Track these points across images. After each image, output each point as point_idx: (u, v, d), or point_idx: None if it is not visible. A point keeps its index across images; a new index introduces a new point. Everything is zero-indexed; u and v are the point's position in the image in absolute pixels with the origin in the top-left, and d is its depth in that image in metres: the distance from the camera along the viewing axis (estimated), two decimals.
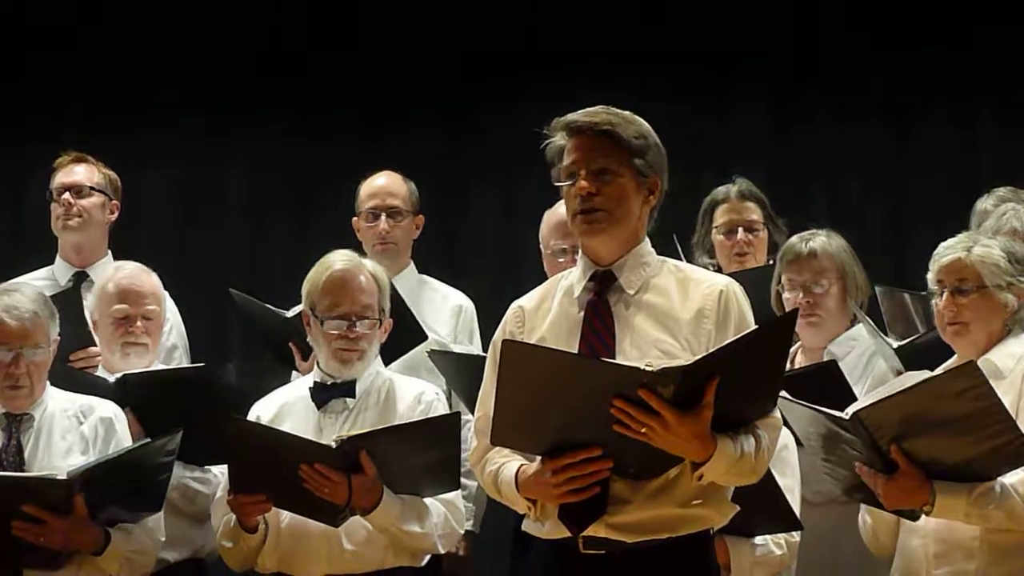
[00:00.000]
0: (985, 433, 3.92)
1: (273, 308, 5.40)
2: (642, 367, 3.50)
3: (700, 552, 3.74)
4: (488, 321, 4.02)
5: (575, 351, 3.70)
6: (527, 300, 3.91)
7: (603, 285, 3.79)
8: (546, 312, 3.83)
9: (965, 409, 3.89)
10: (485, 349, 5.08)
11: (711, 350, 3.59)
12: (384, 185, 5.77)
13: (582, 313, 3.78)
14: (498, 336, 3.89)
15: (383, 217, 5.71)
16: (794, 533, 4.49)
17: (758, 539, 4.47)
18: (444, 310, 5.67)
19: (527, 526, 3.82)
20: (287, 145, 7.47)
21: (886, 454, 4.00)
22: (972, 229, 5.14)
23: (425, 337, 5.26)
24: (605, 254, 3.80)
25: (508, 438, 3.68)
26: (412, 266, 5.75)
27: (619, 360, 3.65)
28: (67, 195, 5.64)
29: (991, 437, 3.93)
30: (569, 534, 3.68)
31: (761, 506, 4.37)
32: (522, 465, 3.72)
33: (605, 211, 3.74)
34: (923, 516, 4.11)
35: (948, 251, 4.33)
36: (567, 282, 3.86)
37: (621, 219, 3.76)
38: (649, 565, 3.66)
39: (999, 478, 4.03)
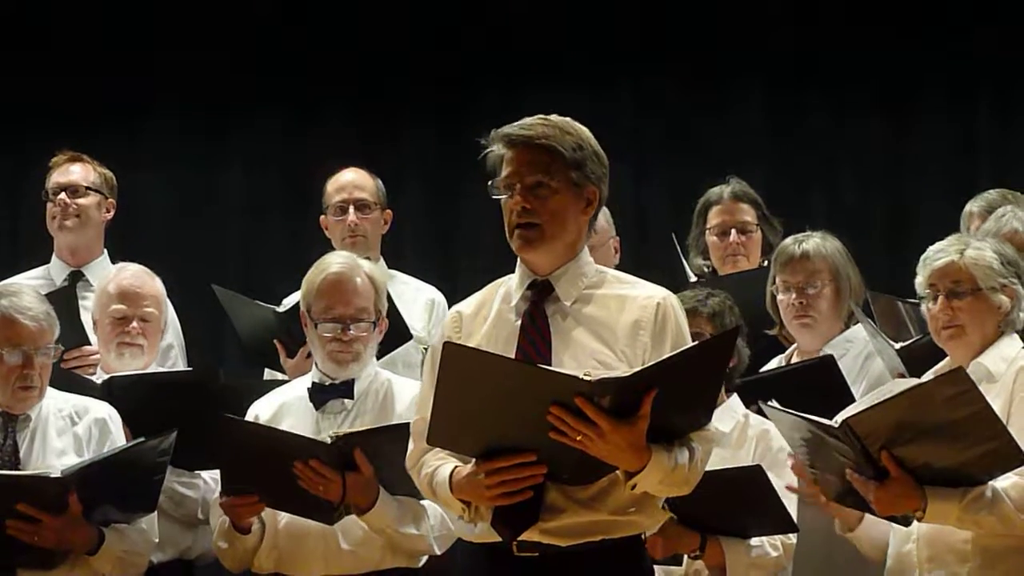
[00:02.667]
0: (976, 438, 3.91)
1: (262, 303, 5.40)
2: (581, 376, 3.51)
3: (633, 553, 3.76)
4: None
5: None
6: (465, 306, 3.90)
7: (540, 295, 3.79)
8: (484, 319, 3.83)
9: (955, 415, 3.88)
10: None
11: (651, 363, 3.60)
12: (351, 179, 5.76)
13: (519, 322, 3.78)
14: (436, 341, 3.90)
15: (351, 210, 5.69)
16: (790, 535, 4.49)
17: (754, 540, 4.47)
18: (417, 304, 5.65)
19: (458, 530, 3.84)
20: (284, 145, 7.47)
21: (877, 461, 3.99)
22: (963, 232, 5.13)
23: (410, 337, 5.26)
24: (543, 265, 3.79)
25: (444, 439, 3.68)
26: (382, 261, 5.73)
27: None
28: (63, 195, 5.63)
29: (982, 442, 3.91)
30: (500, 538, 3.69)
31: (757, 508, 4.38)
32: (456, 467, 3.72)
33: (540, 226, 3.73)
34: (915, 522, 4.11)
35: (940, 254, 4.29)
36: (505, 289, 3.86)
37: (557, 233, 3.75)
38: (582, 567, 3.68)
39: (990, 482, 4.01)
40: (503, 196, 3.77)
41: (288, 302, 5.37)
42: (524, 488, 3.60)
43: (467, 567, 3.82)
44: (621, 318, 3.74)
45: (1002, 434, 3.93)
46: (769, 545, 4.49)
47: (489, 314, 3.82)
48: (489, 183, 3.80)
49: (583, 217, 3.80)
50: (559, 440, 3.51)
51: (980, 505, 4.00)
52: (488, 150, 3.80)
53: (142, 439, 4.56)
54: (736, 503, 4.29)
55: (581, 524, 3.66)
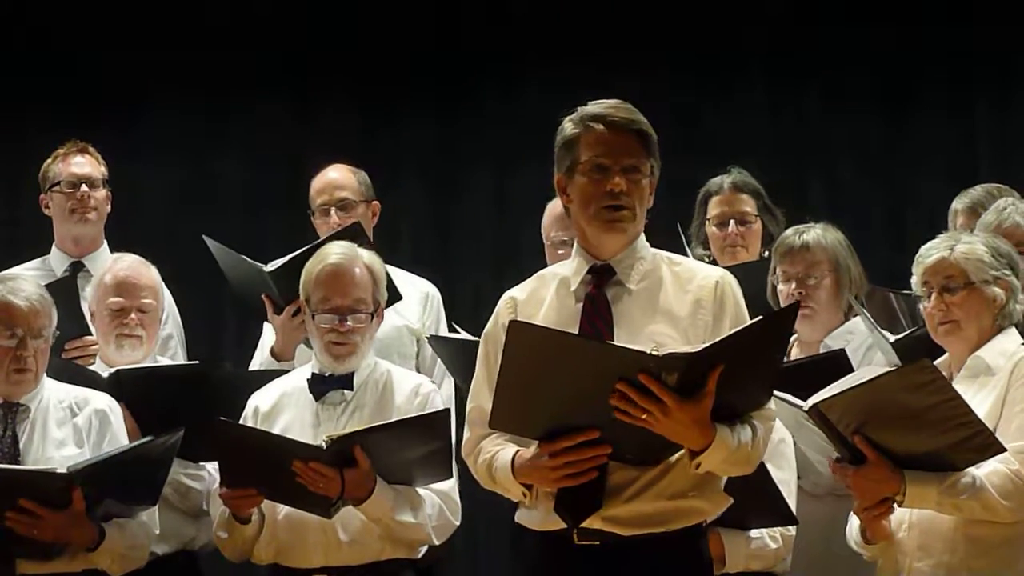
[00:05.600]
0: (948, 425, 3.94)
1: (249, 260, 5.36)
2: (648, 352, 3.51)
3: (693, 544, 3.77)
4: (484, 312, 4.01)
5: None
6: (518, 291, 3.91)
7: (601, 279, 3.81)
8: (539, 302, 3.84)
9: (923, 402, 3.91)
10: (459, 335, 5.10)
11: (717, 339, 3.60)
12: (331, 179, 5.71)
13: (580, 305, 3.79)
14: (490, 328, 3.90)
15: (333, 212, 5.64)
16: (789, 527, 4.51)
17: (753, 532, 4.49)
18: (411, 297, 5.60)
19: (520, 517, 3.83)
20: (284, 136, 7.46)
21: (853, 445, 4.01)
22: (950, 230, 5.13)
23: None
24: (612, 249, 3.82)
25: (508, 421, 3.68)
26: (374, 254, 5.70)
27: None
28: (84, 188, 5.62)
29: (954, 429, 3.94)
30: (563, 525, 3.68)
31: (756, 500, 4.38)
32: (518, 451, 3.73)
33: (629, 210, 3.78)
34: (907, 511, 4.14)
35: (931, 252, 4.31)
36: (556, 276, 3.87)
37: (640, 218, 3.82)
38: (643, 557, 3.68)
39: (970, 469, 4.03)
40: (588, 175, 3.77)
41: (277, 262, 5.31)
42: (588, 469, 3.61)
43: (526, 556, 3.83)
44: (681, 298, 3.78)
45: (975, 422, 3.95)
46: (768, 537, 4.51)
47: (545, 299, 3.84)
48: (565, 156, 3.81)
49: (648, 204, 3.85)
50: (623, 419, 3.51)
51: (959, 490, 4.03)
52: (574, 130, 3.81)
53: (150, 438, 4.57)
54: (736, 494, 4.29)
55: (643, 512, 3.66)
